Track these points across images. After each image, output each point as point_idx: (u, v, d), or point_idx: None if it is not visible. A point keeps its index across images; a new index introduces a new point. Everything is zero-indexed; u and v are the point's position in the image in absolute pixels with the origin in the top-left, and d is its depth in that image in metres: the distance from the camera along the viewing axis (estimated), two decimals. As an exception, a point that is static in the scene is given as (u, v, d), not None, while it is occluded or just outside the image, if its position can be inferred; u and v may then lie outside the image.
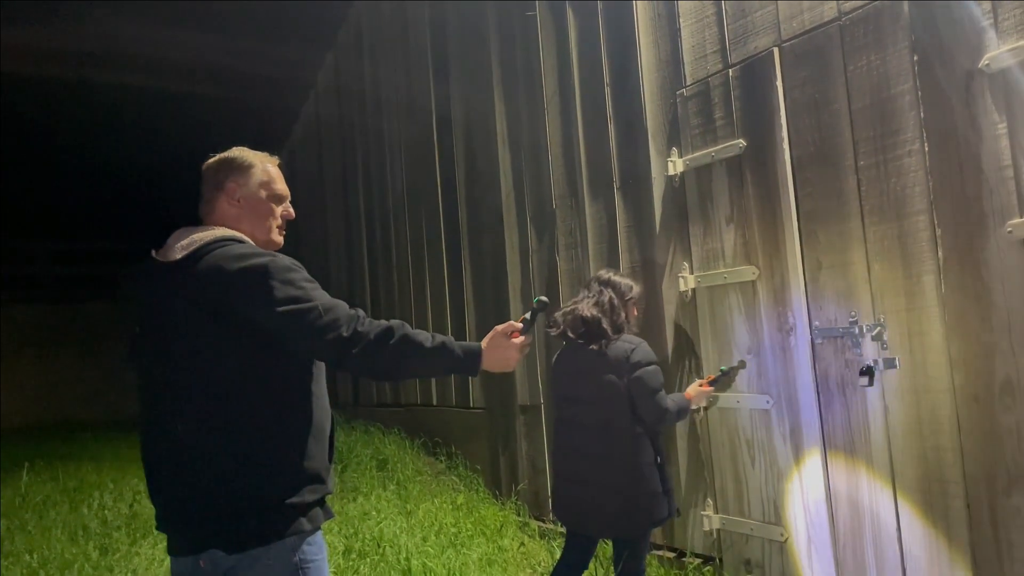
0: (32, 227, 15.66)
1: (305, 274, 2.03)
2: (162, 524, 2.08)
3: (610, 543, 3.78)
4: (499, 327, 2.19)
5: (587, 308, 3.42)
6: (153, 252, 2.11)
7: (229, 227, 2.14)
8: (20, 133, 13.46)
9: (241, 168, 2.19)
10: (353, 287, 10.08)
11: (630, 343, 3.40)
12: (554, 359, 3.65)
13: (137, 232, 15.29)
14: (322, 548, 2.09)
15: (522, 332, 2.20)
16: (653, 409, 3.34)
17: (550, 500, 3.71)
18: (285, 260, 2.02)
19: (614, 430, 3.33)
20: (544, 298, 2.23)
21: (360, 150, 9.79)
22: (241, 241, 2.10)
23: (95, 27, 10.23)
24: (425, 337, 2.03)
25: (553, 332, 3.51)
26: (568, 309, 3.48)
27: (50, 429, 13.29)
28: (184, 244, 2.04)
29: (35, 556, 4.94)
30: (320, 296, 2.00)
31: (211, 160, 2.21)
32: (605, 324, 3.39)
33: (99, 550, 5.10)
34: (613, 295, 3.48)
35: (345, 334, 1.94)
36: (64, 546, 5.20)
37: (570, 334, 3.44)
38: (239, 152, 2.23)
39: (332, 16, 10.17)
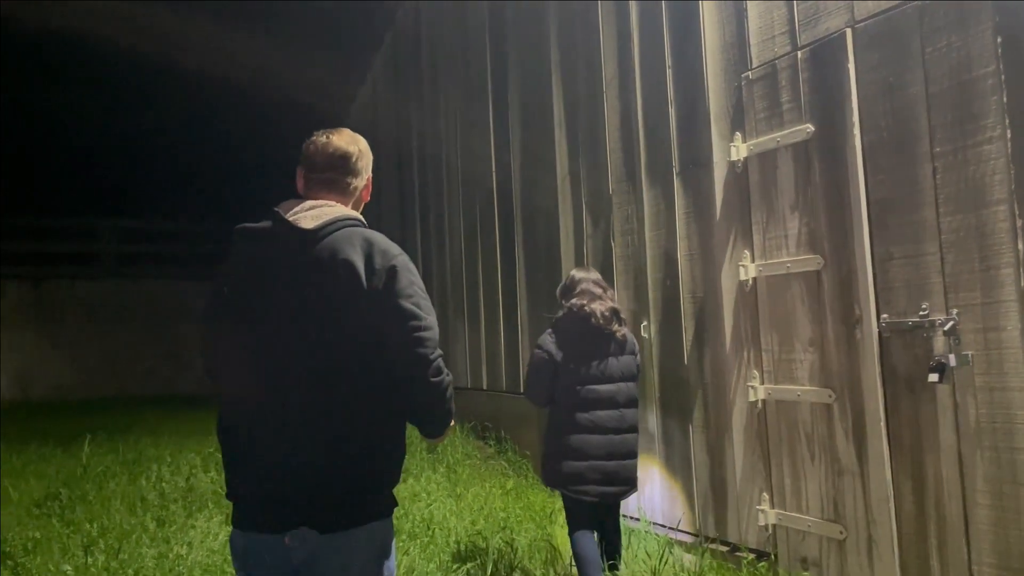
0: (98, 205, 16.07)
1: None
2: (246, 498, 2.00)
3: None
4: None
5: (613, 302, 3.91)
6: (283, 215, 2.01)
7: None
8: (89, 115, 13.83)
9: (371, 162, 2.23)
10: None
11: (630, 332, 3.97)
12: (558, 347, 3.81)
13: (200, 213, 15.69)
14: (393, 529, 2.10)
15: None
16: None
17: (574, 487, 3.74)
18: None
19: (635, 402, 3.91)
20: None
21: (416, 133, 9.79)
22: (364, 223, 2.10)
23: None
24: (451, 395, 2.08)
25: (595, 323, 3.78)
26: (598, 304, 3.82)
27: (110, 402, 13.64)
28: (314, 215, 2.00)
29: (95, 525, 5.07)
30: (431, 310, 2.01)
31: (344, 142, 2.15)
32: (623, 314, 3.96)
33: (156, 521, 5.21)
34: (613, 292, 4.08)
35: (432, 356, 1.95)
36: (123, 516, 5.32)
37: (614, 327, 3.82)
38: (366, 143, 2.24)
39: (390, -1, 10.20)
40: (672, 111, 4.86)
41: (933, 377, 3.16)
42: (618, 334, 3.83)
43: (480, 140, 7.75)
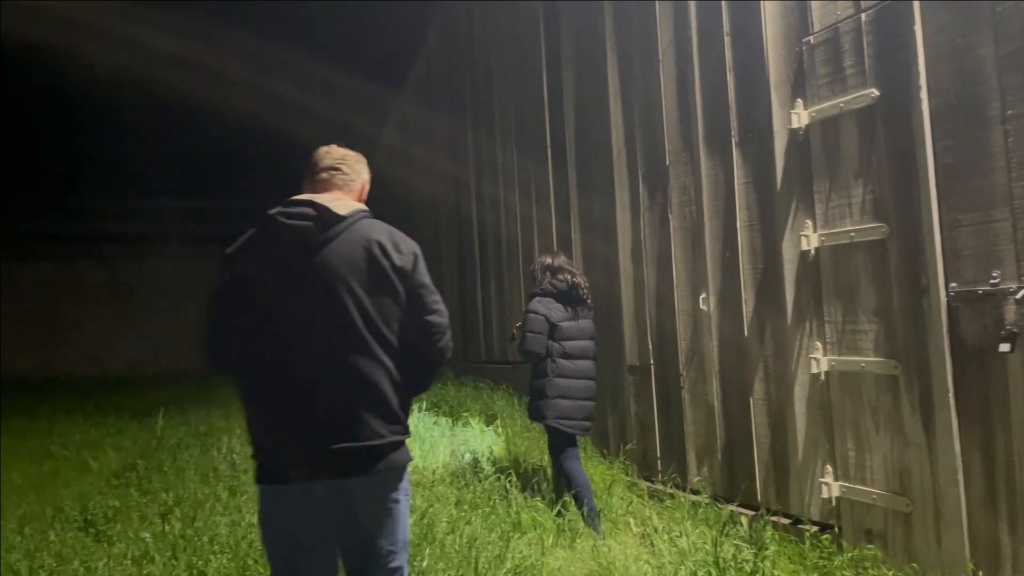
0: (164, 187, 16.51)
1: None
2: (302, 452, 2.29)
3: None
4: None
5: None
6: (316, 203, 2.32)
7: None
8: (154, 103, 14.20)
9: (365, 169, 2.64)
10: (463, 247, 10.19)
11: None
12: (549, 312, 4.73)
13: (263, 193, 16.00)
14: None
15: None
16: None
17: (564, 421, 4.71)
18: None
19: (595, 355, 4.98)
20: None
21: (470, 105, 9.80)
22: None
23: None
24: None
25: (580, 292, 4.84)
26: (579, 278, 4.89)
27: (180, 377, 14.08)
28: (340, 205, 2.35)
29: (171, 495, 5.27)
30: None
31: (349, 151, 2.59)
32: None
33: (228, 491, 5.39)
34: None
35: (448, 324, 2.45)
36: (197, 486, 5.52)
37: (587, 296, 4.90)
38: None
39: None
40: (730, 79, 4.77)
41: (1004, 347, 3.08)
42: (588, 301, 4.91)
43: (534, 113, 7.73)
